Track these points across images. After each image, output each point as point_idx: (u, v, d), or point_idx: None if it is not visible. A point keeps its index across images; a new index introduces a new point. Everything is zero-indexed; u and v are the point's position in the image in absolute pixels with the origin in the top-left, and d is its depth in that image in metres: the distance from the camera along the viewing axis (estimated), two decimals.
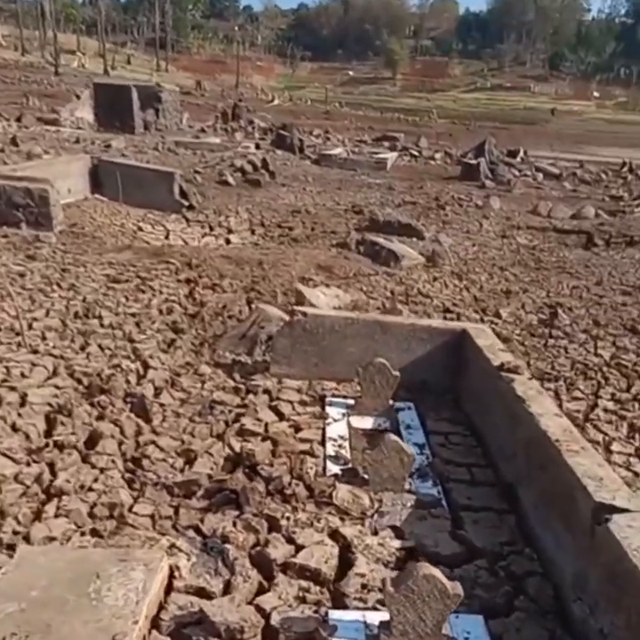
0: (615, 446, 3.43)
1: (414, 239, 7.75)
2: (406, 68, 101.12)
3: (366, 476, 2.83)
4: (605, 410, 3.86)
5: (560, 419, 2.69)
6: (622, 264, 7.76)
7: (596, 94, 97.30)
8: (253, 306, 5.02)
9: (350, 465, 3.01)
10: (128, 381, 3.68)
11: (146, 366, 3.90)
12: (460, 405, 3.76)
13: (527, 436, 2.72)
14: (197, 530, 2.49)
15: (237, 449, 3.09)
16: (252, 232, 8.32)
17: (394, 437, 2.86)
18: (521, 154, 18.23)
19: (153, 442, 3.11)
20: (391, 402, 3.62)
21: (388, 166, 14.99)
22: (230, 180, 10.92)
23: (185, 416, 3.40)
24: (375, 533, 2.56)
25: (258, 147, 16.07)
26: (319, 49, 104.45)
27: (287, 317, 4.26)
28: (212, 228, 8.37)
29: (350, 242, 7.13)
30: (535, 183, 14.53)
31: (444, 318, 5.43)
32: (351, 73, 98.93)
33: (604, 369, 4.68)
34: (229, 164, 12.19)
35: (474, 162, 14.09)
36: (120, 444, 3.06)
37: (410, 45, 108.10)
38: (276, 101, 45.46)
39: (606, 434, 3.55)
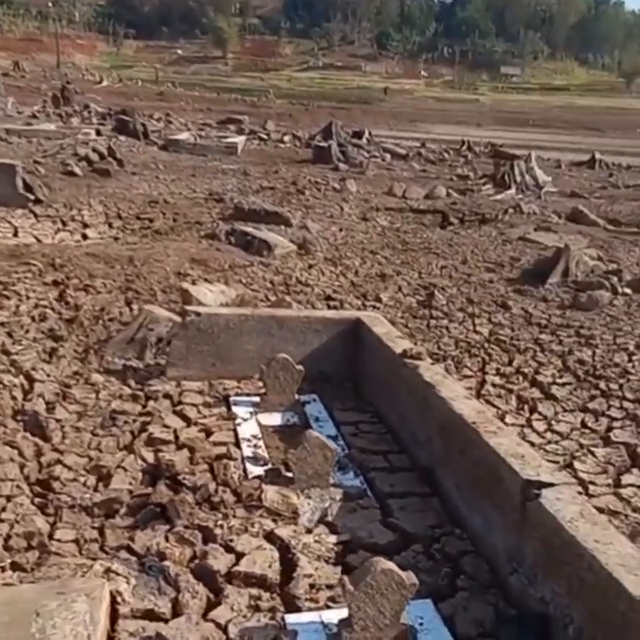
0: (508, 419, 3.69)
1: (282, 227, 7.76)
2: (237, 47, 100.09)
3: (291, 475, 2.84)
4: (493, 385, 4.13)
5: (471, 401, 2.84)
6: (481, 242, 8.26)
7: (424, 74, 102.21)
8: (136, 307, 4.83)
9: (270, 465, 3.01)
10: (14, 398, 3.41)
11: (30, 380, 3.62)
12: (361, 394, 3.86)
13: (440, 421, 2.86)
14: (129, 550, 2.37)
15: (151, 460, 2.97)
16: (110, 226, 7.92)
17: (315, 434, 2.88)
18: (366, 135, 18.79)
19: (58, 461, 2.90)
20: (296, 396, 3.65)
21: (239, 151, 14.85)
22: (76, 170, 10.32)
23: (86, 430, 3.20)
24: (309, 531, 2.58)
25: (99, 133, 15.35)
26: (142, 26, 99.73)
27: (176, 318, 4.14)
28: (65, 223, 7.84)
29: (220, 233, 7.01)
30: (385, 164, 15.07)
31: (328, 306, 5.54)
32: (180, 52, 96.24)
33: (486, 345, 5.00)
34: (72, 153, 11.53)
35: (325, 145, 14.33)
36: (22, 467, 2.83)
37: (237, 23, 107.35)
38: (104, 82, 43.47)
39: (499, 408, 3.82)
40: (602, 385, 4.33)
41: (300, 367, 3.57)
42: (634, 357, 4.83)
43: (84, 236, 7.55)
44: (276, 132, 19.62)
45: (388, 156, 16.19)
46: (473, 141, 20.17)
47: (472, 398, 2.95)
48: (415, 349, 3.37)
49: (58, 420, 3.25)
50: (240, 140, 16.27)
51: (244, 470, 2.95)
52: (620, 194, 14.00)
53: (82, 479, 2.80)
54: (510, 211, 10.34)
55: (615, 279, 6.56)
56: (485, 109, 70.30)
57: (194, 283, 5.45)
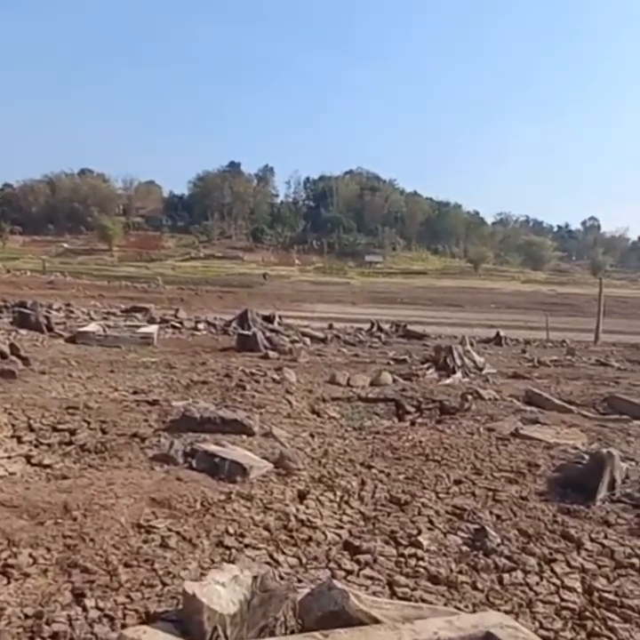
0: None
1: (244, 437, 6.18)
2: (121, 241, 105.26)
3: None
4: None
5: None
6: (476, 442, 6.98)
7: (297, 261, 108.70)
8: (91, 603, 3.00)
9: None
10: None
11: None
12: None
13: None
14: None
15: None
16: (19, 440, 5.95)
17: None
18: (277, 319, 17.94)
19: None
20: None
21: (155, 340, 13.35)
22: None
23: None
24: None
25: None
26: (29, 224, 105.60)
27: None
28: None
29: (175, 454, 5.31)
30: (315, 350, 14.04)
31: (357, 563, 3.93)
32: (66, 245, 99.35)
33: (595, 612, 3.53)
34: None
35: (249, 332, 13.16)
36: None
37: (122, 221, 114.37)
38: None
39: None
40: None
41: None
42: None
43: None
44: (189, 319, 18.34)
45: (307, 340, 15.30)
46: (380, 320, 19.86)
47: None
48: None
49: None
50: (153, 328, 14.83)
51: None
52: (553, 372, 13.63)
53: None
54: (470, 397, 9.34)
55: None
56: (357, 290, 74.44)
57: (164, 545, 3.68)
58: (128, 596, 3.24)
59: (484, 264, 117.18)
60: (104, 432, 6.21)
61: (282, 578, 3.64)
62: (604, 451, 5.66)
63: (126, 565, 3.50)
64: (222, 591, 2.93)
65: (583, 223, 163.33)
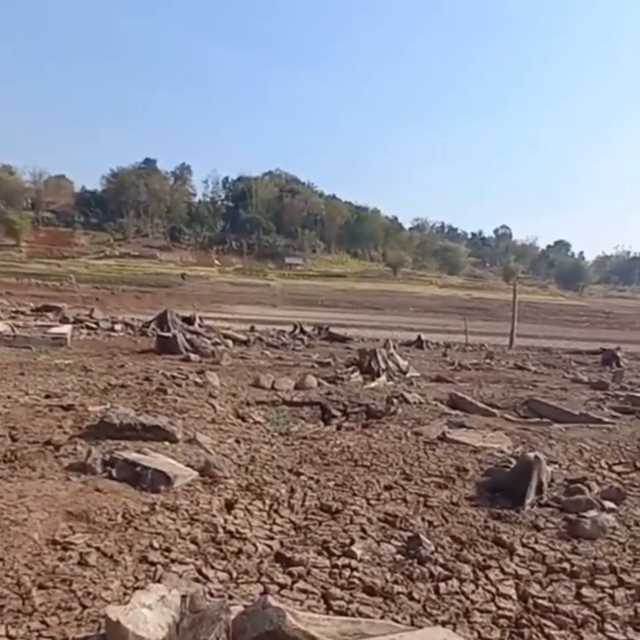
0: None
1: (167, 443, 5.89)
2: (30, 237, 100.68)
3: None
4: None
5: None
6: (403, 446, 6.93)
7: (216, 262, 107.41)
8: (1, 631, 2.70)
9: None
10: None
11: None
12: None
13: None
14: None
15: None
16: None
17: None
18: (197, 321, 17.49)
19: None
20: None
21: (69, 342, 12.66)
22: None
23: None
24: None
25: None
26: None
27: None
28: None
29: (93, 463, 4.97)
30: (238, 353, 13.72)
31: (290, 576, 3.75)
32: None
33: (532, 619, 3.49)
34: None
35: (169, 334, 12.71)
36: None
37: (30, 216, 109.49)
38: None
39: None
40: None
41: None
42: None
43: None
44: (105, 320, 17.56)
45: (229, 342, 14.96)
46: (302, 323, 19.76)
47: None
48: None
49: None
50: (67, 329, 14.08)
51: None
52: (474, 375, 13.88)
53: None
54: (395, 401, 9.35)
55: (588, 491, 5.52)
56: (278, 292, 74.49)
57: (83, 563, 3.40)
58: (43, 622, 2.94)
59: (402, 268, 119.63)
60: (14, 439, 5.78)
61: (212, 595, 3.43)
62: (531, 455, 5.70)
63: (41, 587, 3.20)
64: (149, 615, 2.69)
65: (496, 231, 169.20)
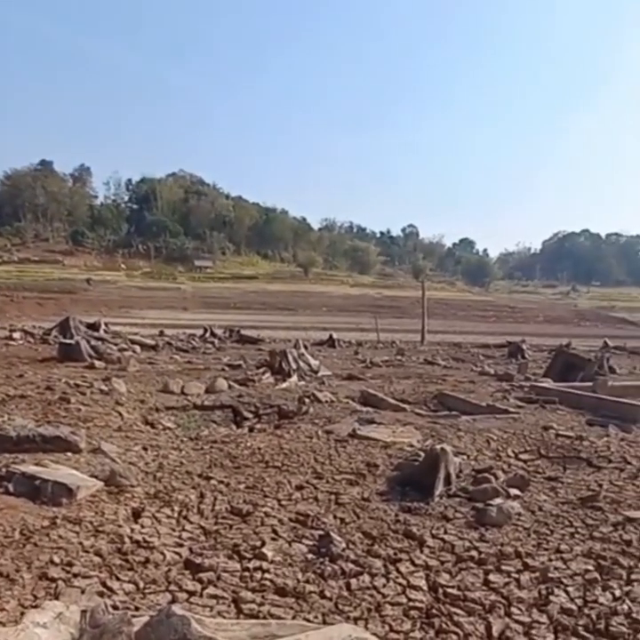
0: None
1: (69, 454, 5.65)
2: None
3: None
4: None
5: None
6: (315, 445, 6.94)
7: (123, 266, 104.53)
8: None
9: None
10: None
11: None
12: None
13: None
14: None
15: None
16: None
17: None
18: (103, 326, 16.94)
19: None
20: None
21: None
22: None
23: None
24: None
25: None
26: None
27: None
28: None
29: None
30: (146, 358, 13.36)
31: (200, 583, 3.66)
32: None
33: (442, 608, 3.56)
34: None
35: (72, 341, 12.23)
36: None
37: None
38: None
39: None
40: None
41: None
42: (621, 593, 3.78)
43: None
44: (3, 328, 16.69)
45: (137, 348, 14.57)
46: (213, 326, 19.51)
47: None
48: None
49: None
50: None
51: None
52: (385, 372, 14.12)
53: None
54: (307, 400, 9.38)
55: (494, 480, 5.71)
56: (188, 296, 73.38)
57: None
58: None
59: (313, 268, 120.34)
60: None
61: (117, 608, 3.30)
62: (438, 447, 5.84)
63: None
64: (43, 634, 2.55)
65: (403, 230, 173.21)
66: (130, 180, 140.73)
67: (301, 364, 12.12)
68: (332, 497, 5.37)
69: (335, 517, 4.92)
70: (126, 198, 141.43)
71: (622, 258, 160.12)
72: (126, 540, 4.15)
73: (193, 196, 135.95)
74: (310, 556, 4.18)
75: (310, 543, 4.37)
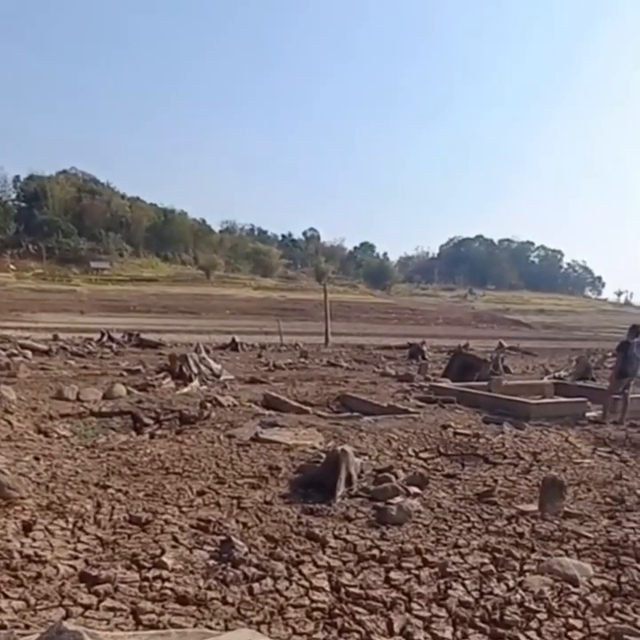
0: None
1: None
2: None
3: None
4: None
5: None
6: (217, 450, 6.85)
7: (12, 267, 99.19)
8: None
9: None
10: None
11: None
12: None
13: None
14: None
15: None
16: None
17: None
18: None
19: None
20: None
21: None
22: None
23: None
24: None
25: None
26: None
27: None
28: None
29: None
30: (37, 364, 12.73)
31: (96, 595, 3.53)
32: None
33: (345, 607, 3.60)
34: None
35: None
36: None
37: None
38: None
39: None
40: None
41: None
42: (514, 583, 3.97)
43: None
44: None
45: (28, 353, 13.88)
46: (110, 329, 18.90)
47: None
48: None
49: None
50: None
51: None
52: (289, 374, 14.15)
53: None
54: (209, 405, 9.26)
55: (394, 479, 5.85)
56: (85, 298, 70.69)
57: None
58: None
59: (215, 271, 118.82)
60: None
61: (3, 628, 3.13)
62: (339, 448, 5.91)
63: None
64: None
65: (304, 233, 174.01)
66: (17, 177, 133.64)
67: (203, 368, 11.95)
68: (235, 501, 5.32)
69: (237, 522, 4.88)
70: (13, 196, 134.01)
71: (514, 262, 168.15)
72: (16, 554, 3.95)
73: (86, 195, 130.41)
74: (212, 562, 4.12)
75: (212, 549, 4.32)
